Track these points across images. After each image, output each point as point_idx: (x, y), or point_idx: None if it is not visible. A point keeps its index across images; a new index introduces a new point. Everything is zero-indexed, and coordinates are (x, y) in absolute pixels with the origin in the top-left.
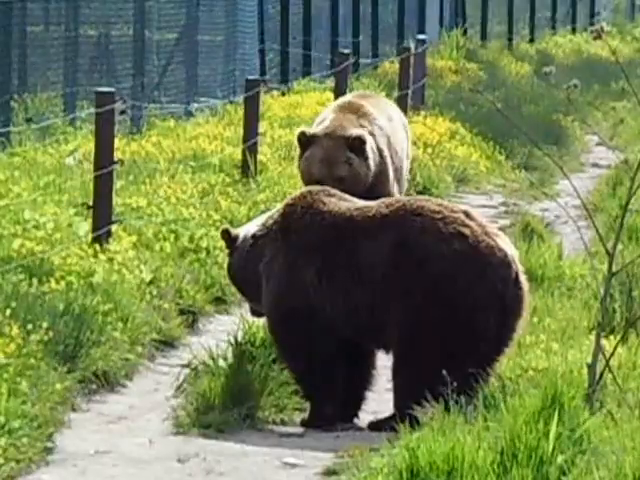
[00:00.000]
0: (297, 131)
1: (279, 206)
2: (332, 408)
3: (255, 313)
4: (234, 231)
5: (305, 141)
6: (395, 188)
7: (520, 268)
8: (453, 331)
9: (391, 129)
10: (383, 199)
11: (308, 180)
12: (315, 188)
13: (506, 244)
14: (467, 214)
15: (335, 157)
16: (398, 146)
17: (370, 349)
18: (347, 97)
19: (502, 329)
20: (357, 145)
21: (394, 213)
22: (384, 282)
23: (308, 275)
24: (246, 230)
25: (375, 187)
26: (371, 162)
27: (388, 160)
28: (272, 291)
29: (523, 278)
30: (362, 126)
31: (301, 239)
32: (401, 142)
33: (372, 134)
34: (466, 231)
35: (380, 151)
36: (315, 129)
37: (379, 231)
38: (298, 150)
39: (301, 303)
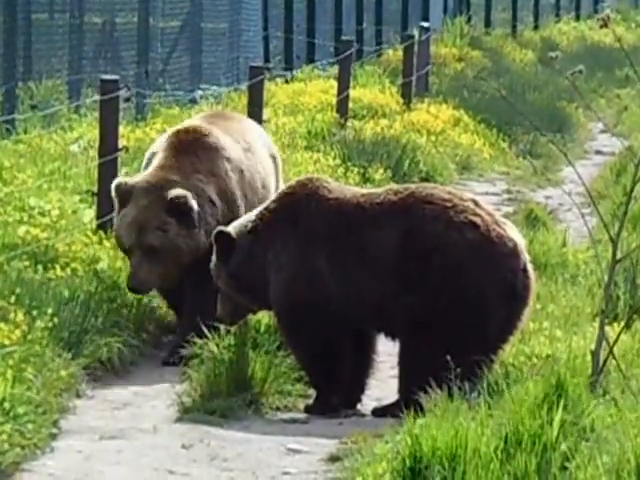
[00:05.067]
0: (115, 182)
1: (272, 198)
2: (337, 397)
3: (230, 318)
4: (231, 231)
5: (122, 195)
6: None
7: (528, 258)
8: (461, 320)
9: (248, 163)
10: (390, 186)
11: (118, 244)
12: (314, 175)
13: (515, 234)
14: (476, 202)
15: (146, 222)
16: (258, 182)
17: (372, 335)
18: (194, 121)
19: (509, 318)
20: (178, 209)
21: (404, 200)
22: (393, 269)
23: (319, 263)
24: (237, 229)
25: None
26: (196, 230)
27: (241, 206)
28: (283, 281)
29: (531, 267)
30: (200, 170)
31: (310, 227)
32: (262, 178)
33: (214, 176)
34: (477, 220)
35: (230, 196)
36: (135, 179)
37: (388, 218)
38: (116, 204)
39: (313, 292)
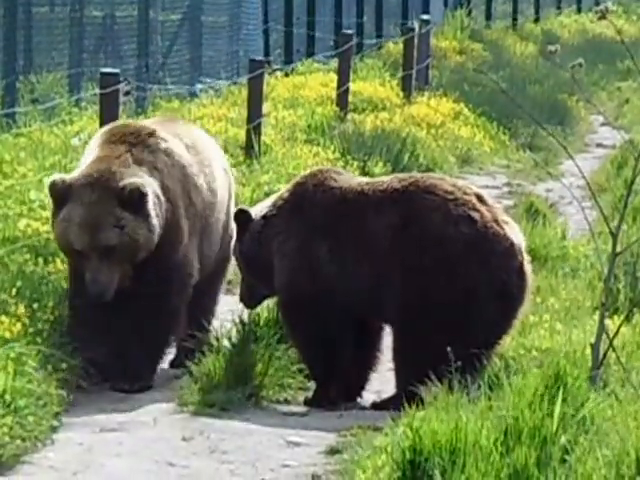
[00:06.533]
0: (50, 179)
1: (288, 185)
2: (337, 390)
3: (248, 300)
4: (251, 211)
5: (60, 194)
6: (192, 246)
7: (526, 258)
8: (452, 314)
9: (191, 160)
10: (396, 174)
11: (65, 248)
12: (325, 167)
13: (514, 233)
14: (479, 197)
15: (100, 220)
16: (203, 184)
17: (376, 330)
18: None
19: (503, 316)
20: (133, 200)
21: (405, 187)
22: (390, 257)
23: (321, 252)
24: (255, 212)
25: (161, 244)
26: (154, 221)
27: (180, 207)
28: (285, 269)
29: (528, 268)
30: (138, 161)
31: (313, 217)
32: (209, 180)
33: (155, 169)
34: (476, 216)
35: (171, 193)
36: (72, 175)
37: (388, 205)
38: (52, 205)
39: (313, 283)
